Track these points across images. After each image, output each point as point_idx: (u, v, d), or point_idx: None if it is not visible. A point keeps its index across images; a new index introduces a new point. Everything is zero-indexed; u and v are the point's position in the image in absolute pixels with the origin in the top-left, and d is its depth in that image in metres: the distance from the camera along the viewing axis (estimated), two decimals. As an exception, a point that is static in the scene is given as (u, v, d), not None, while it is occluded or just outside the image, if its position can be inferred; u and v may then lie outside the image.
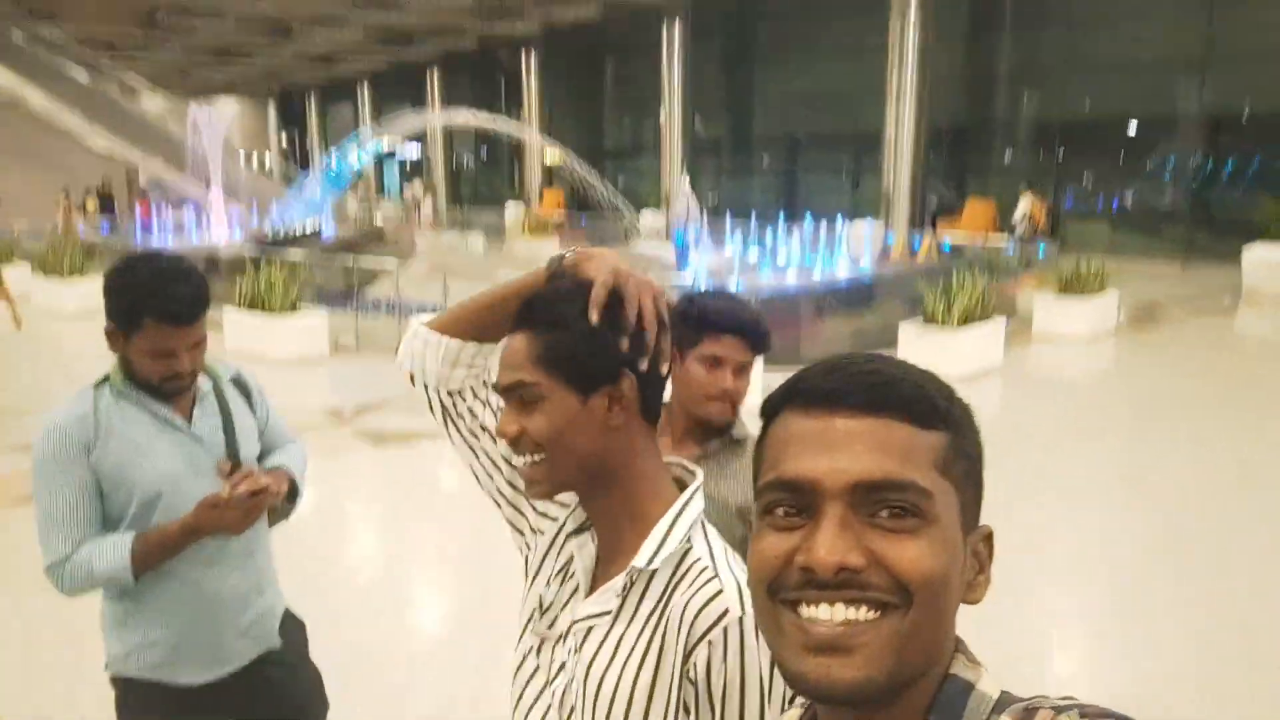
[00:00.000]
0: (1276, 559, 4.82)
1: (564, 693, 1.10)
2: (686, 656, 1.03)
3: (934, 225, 18.10)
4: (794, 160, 25.13)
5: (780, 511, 0.68)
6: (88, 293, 12.53)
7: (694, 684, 1.02)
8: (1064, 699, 0.65)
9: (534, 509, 1.27)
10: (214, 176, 17.43)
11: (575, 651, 1.10)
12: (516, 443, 1.09)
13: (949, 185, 20.61)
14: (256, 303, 9.70)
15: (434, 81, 33.65)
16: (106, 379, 1.96)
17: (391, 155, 36.32)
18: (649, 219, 19.56)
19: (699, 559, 1.07)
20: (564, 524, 1.23)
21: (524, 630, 1.21)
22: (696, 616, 1.03)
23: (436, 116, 27.98)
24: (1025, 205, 16.18)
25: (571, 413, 1.08)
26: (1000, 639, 4.02)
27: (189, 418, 2.00)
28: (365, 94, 38.99)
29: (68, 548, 1.87)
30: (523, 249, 20.91)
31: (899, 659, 0.65)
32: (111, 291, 1.89)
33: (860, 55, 20.86)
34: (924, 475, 0.67)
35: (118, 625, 2.00)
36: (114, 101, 23.41)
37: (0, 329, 11.41)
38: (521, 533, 1.29)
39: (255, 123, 49.23)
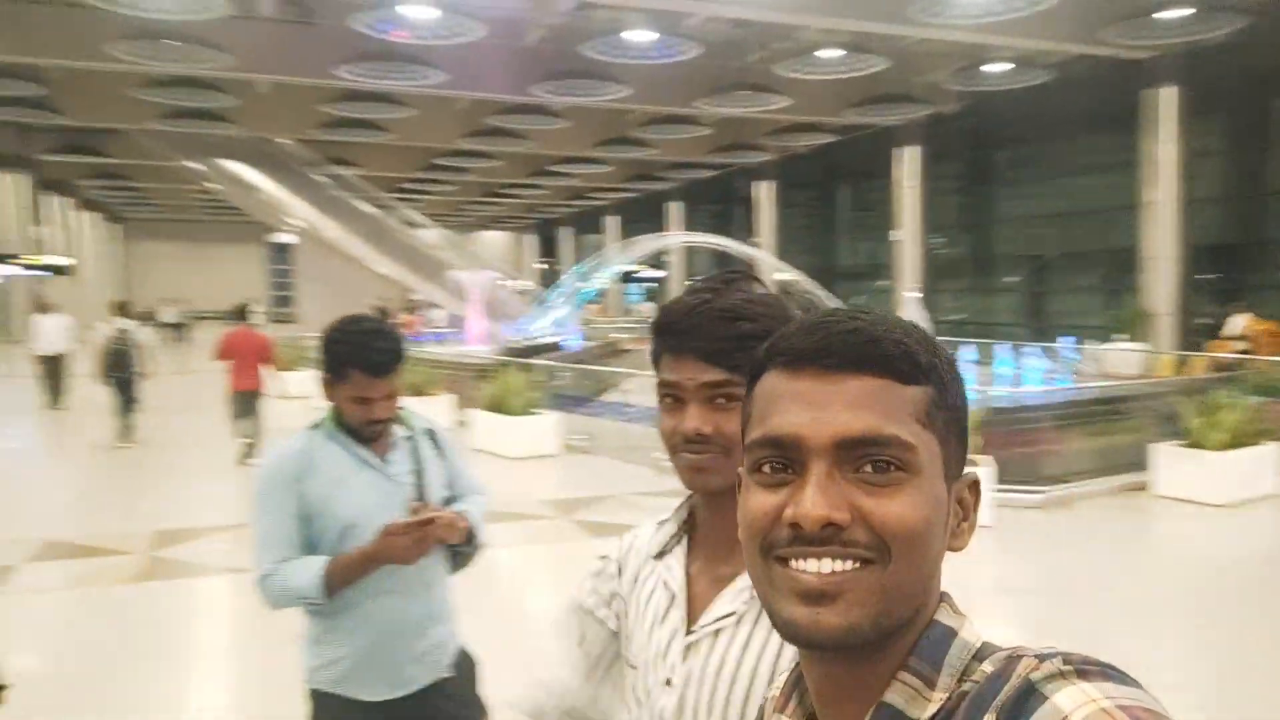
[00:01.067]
0: None
1: (677, 706, 1.12)
2: None
3: (1204, 346, 16.56)
4: (1042, 279, 24.01)
5: (767, 468, 0.70)
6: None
7: None
8: (1046, 647, 0.65)
9: (607, 590, 1.30)
10: (474, 299, 19.08)
11: (693, 659, 1.11)
12: (702, 440, 1.10)
13: (1221, 303, 18.87)
14: (496, 405, 10.41)
15: (674, 210, 35.40)
16: (319, 424, 2.27)
17: (633, 277, 38.13)
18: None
19: None
20: (635, 557, 1.26)
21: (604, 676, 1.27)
22: None
23: (673, 238, 29.26)
24: (1240, 324, 14.94)
25: None
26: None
27: (384, 460, 2.26)
28: (612, 223, 41.56)
29: (272, 565, 2.15)
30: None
31: (883, 607, 0.66)
32: (326, 346, 2.20)
33: (1109, 171, 19.93)
34: (906, 429, 0.68)
35: (313, 642, 2.25)
36: (396, 232, 26.30)
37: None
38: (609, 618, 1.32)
39: (514, 251, 53.64)
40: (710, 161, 27.78)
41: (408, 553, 2.12)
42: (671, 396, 1.13)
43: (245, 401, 9.97)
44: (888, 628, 0.68)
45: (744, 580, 1.11)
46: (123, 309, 11.94)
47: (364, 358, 2.14)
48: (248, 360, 9.97)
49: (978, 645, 0.71)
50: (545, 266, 50.91)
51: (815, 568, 0.66)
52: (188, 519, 7.49)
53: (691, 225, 35.18)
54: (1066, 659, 0.62)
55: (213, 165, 24.19)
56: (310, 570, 2.12)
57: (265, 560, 2.15)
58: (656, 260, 34.84)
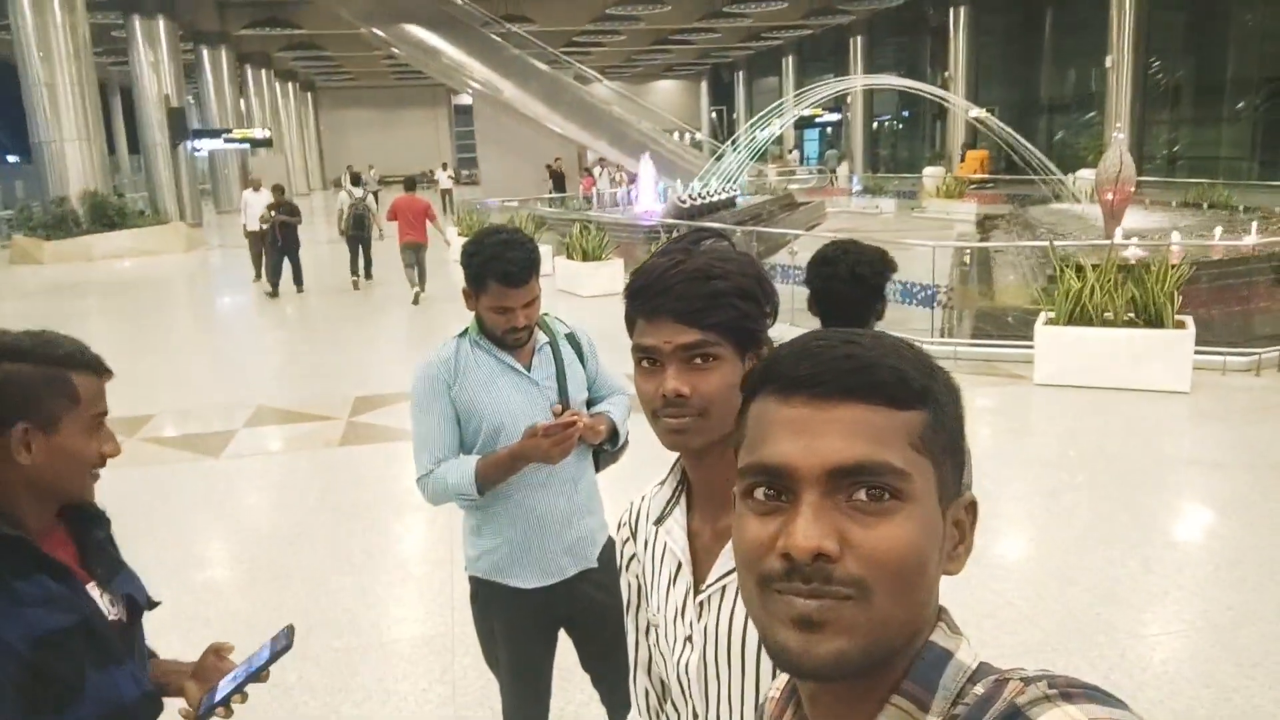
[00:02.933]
0: None
1: (699, 662, 1.16)
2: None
3: None
4: (1274, 106, 21.21)
5: (760, 494, 0.70)
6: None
7: None
8: (1037, 671, 0.66)
9: (628, 555, 1.33)
10: (645, 158, 18.95)
11: (706, 617, 1.15)
12: (681, 400, 1.12)
13: None
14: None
15: (857, 47, 33.31)
16: (466, 331, 2.37)
17: (812, 122, 36.61)
18: (1084, 177, 17.77)
19: None
20: (644, 521, 1.28)
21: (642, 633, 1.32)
22: None
23: (855, 81, 27.67)
24: None
25: (735, 375, 1.13)
26: None
27: (528, 365, 2.35)
28: (790, 65, 39.72)
29: (431, 465, 2.30)
30: (935, 210, 20.17)
31: (874, 637, 0.66)
32: (465, 259, 2.27)
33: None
34: (900, 455, 0.68)
35: (471, 533, 2.43)
36: (570, 88, 26.23)
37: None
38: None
39: (688, 100, 52.45)
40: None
41: (550, 453, 2.20)
42: (649, 359, 1.15)
43: (412, 253, 12.69)
44: (878, 656, 0.68)
45: None
46: (355, 178, 14.12)
47: (499, 269, 2.20)
48: (412, 219, 12.70)
49: (974, 667, 0.71)
50: (718, 115, 49.63)
51: (807, 600, 0.67)
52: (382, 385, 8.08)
53: (876, 62, 33.09)
54: (1052, 683, 0.63)
55: (395, 31, 24.73)
56: (464, 469, 2.25)
57: (424, 461, 2.30)
58: (837, 104, 33.20)
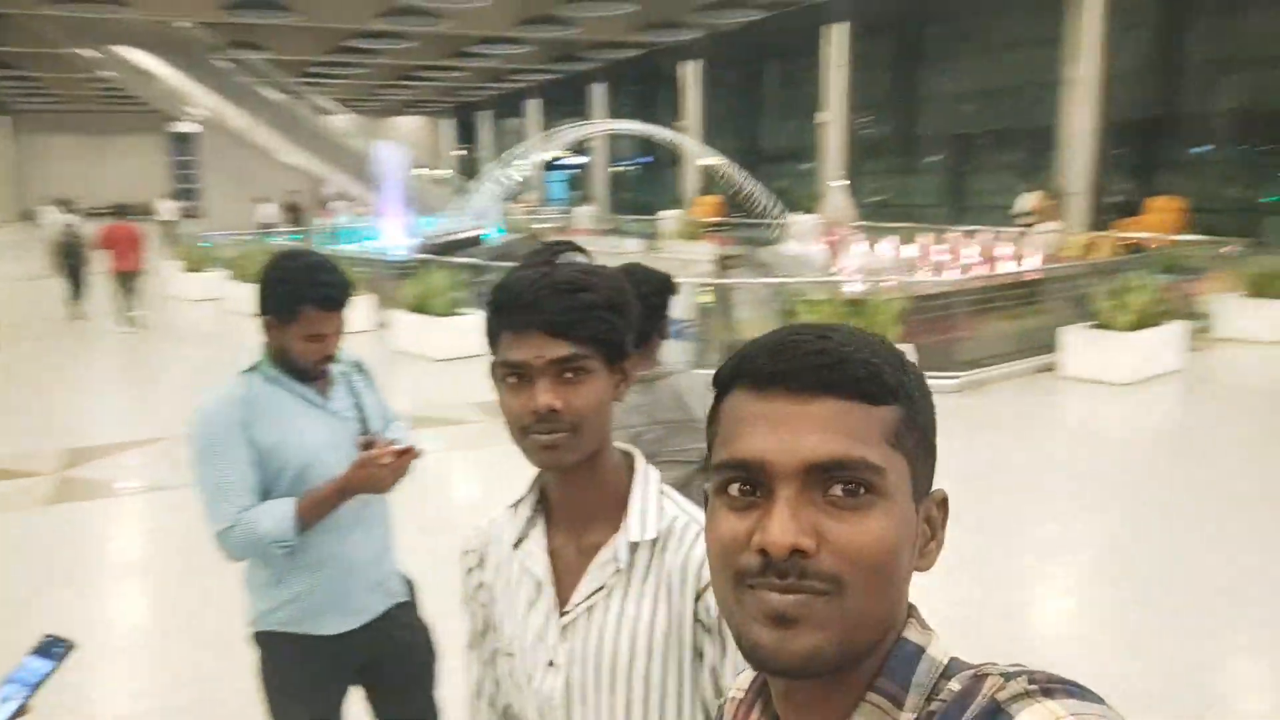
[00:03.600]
0: None
1: (564, 686, 1.14)
2: (696, 600, 1.11)
3: (1115, 225, 17.02)
4: (963, 159, 24.19)
5: (734, 489, 0.69)
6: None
7: (705, 625, 1.12)
8: (1012, 665, 0.66)
9: (474, 584, 1.29)
10: (390, 190, 18.48)
11: (571, 639, 1.13)
12: (554, 416, 1.08)
13: (1132, 182, 19.29)
14: (420, 307, 10.21)
15: (598, 93, 34.46)
16: (255, 366, 2.18)
17: (556, 165, 37.36)
18: (800, 221, 19.34)
19: (676, 518, 1.16)
20: (494, 545, 1.25)
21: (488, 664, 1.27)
22: (702, 565, 1.11)
23: (597, 126, 28.59)
24: (1029, 201, 17.06)
25: (605, 390, 1.12)
26: (1168, 643, 3.76)
27: (327, 397, 2.23)
28: (534, 108, 40.37)
29: (235, 515, 2.08)
30: (675, 251, 21.18)
31: (848, 633, 0.67)
32: (269, 285, 2.11)
33: (1035, 47, 19.90)
34: (875, 451, 0.68)
35: (267, 586, 2.21)
36: (305, 120, 25.15)
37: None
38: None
39: (432, 137, 51.90)
40: (635, 40, 26.92)
41: (385, 481, 2.11)
42: (515, 375, 1.11)
43: (126, 280, 12.70)
44: (853, 653, 0.68)
45: (606, 554, 1.13)
46: (66, 204, 12.68)
47: (317, 293, 2.08)
48: (125, 248, 12.66)
49: (945, 662, 0.71)
50: (463, 153, 49.48)
51: (782, 595, 0.67)
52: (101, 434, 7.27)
53: (615, 108, 34.36)
54: (1032, 678, 0.63)
55: (108, 52, 22.61)
56: (279, 512, 2.08)
57: (225, 512, 2.07)
58: (580, 147, 34.08)
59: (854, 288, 9.12)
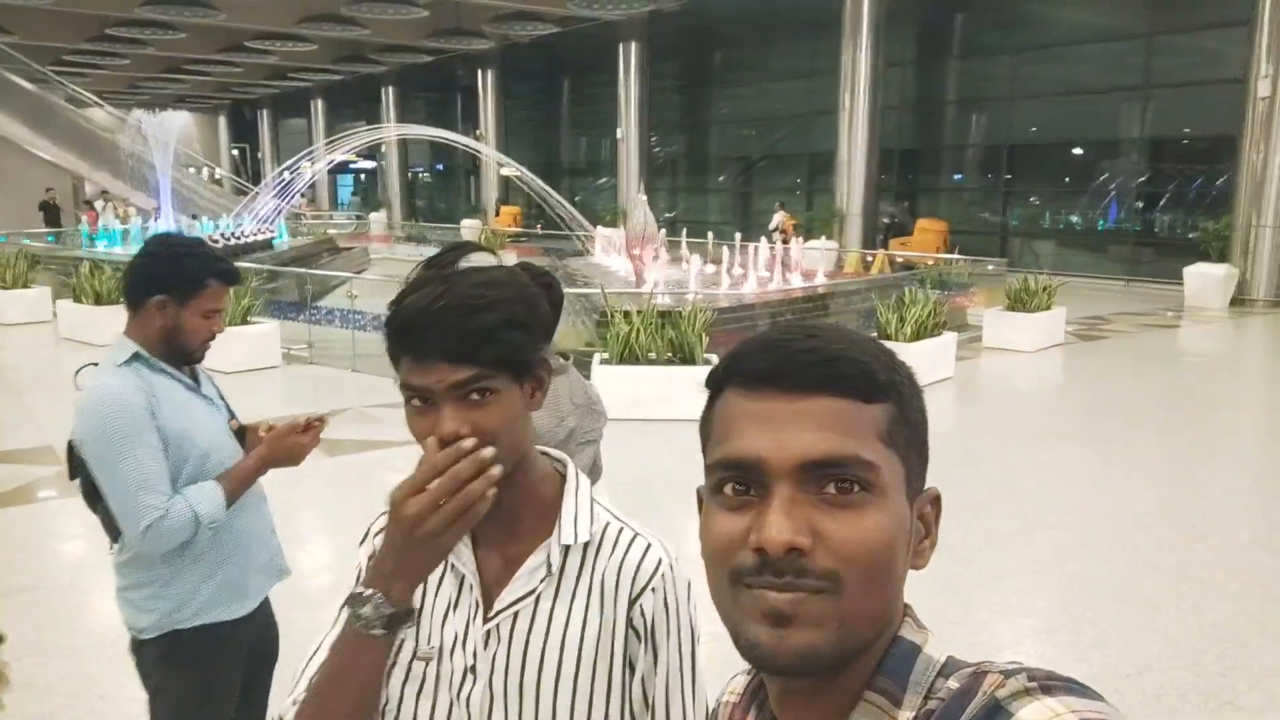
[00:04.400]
0: (1209, 553, 4.96)
1: (484, 694, 1.10)
2: (631, 606, 1.11)
3: (886, 244, 18.43)
4: (749, 180, 25.41)
5: (729, 489, 0.69)
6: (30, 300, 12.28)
7: (638, 633, 1.11)
8: (1010, 663, 0.66)
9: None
10: (162, 187, 17.13)
11: (495, 645, 1.10)
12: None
13: (901, 205, 20.98)
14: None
15: (389, 96, 33.50)
16: (135, 356, 2.11)
17: (345, 169, 35.99)
18: (604, 235, 19.66)
19: (608, 524, 1.16)
20: None
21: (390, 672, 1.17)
22: (636, 571, 1.12)
23: (390, 130, 27.80)
24: (778, 219, 19.49)
25: (516, 403, 1.09)
26: (956, 647, 4.09)
27: (198, 384, 2.25)
28: (319, 107, 38.68)
29: (161, 505, 2.02)
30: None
31: (845, 631, 0.67)
32: (171, 261, 2.13)
33: (813, 78, 21.23)
34: (868, 448, 0.68)
35: (161, 585, 2.13)
36: (61, 112, 22.89)
37: None
38: None
39: (206, 134, 48.56)
40: (428, 46, 26.35)
41: (303, 452, 2.17)
42: (420, 398, 1.06)
43: None
44: (850, 650, 0.68)
45: (537, 559, 1.12)
46: None
47: (219, 268, 2.15)
48: None
49: (942, 661, 0.71)
50: (240, 152, 46.65)
51: (779, 594, 0.66)
52: None
53: (407, 112, 33.52)
54: (1031, 675, 0.63)
55: None
56: (211, 494, 2.08)
57: (150, 503, 2.00)
58: (372, 151, 33.01)
59: (663, 300, 9.37)
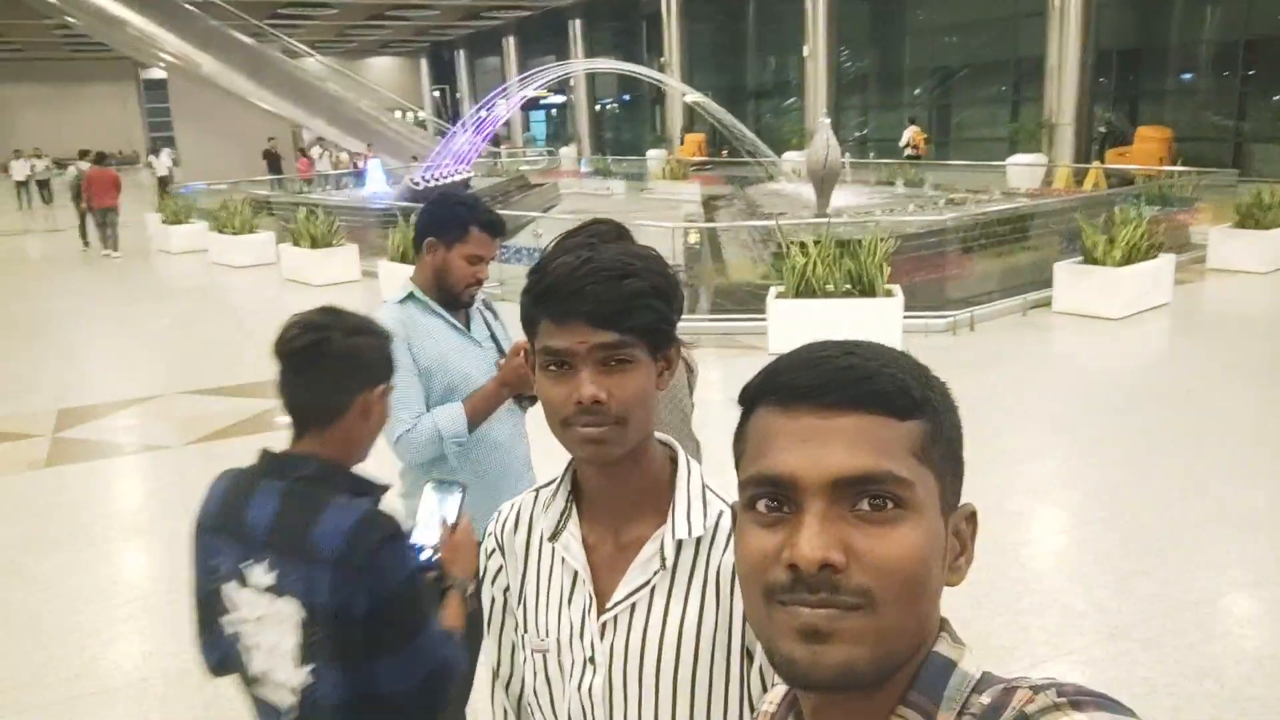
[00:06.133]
0: None
1: (604, 684, 1.11)
2: None
3: (1101, 156, 16.96)
4: (948, 93, 23.92)
5: (762, 505, 0.70)
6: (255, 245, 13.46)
7: None
8: (1043, 679, 0.66)
9: (494, 568, 1.25)
10: (371, 134, 18.13)
11: (612, 636, 1.10)
12: (599, 407, 1.04)
13: (1119, 112, 19.18)
14: (403, 255, 10.03)
15: (576, 29, 33.78)
16: (410, 295, 2.38)
17: (537, 105, 36.78)
18: (791, 160, 19.17)
19: (721, 513, 1.12)
20: (528, 536, 1.20)
21: (509, 660, 1.25)
22: None
23: (577, 65, 28.06)
24: (909, 134, 19.46)
25: (651, 378, 1.08)
26: (1167, 583, 3.83)
27: (468, 327, 2.44)
28: (511, 45, 39.58)
29: (410, 420, 2.26)
30: (662, 191, 20.97)
31: (881, 648, 0.67)
32: (441, 208, 2.38)
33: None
34: (902, 465, 0.68)
35: (407, 498, 2.36)
36: (278, 63, 24.55)
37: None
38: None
39: (409, 78, 50.87)
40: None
41: (529, 377, 2.39)
42: (557, 363, 1.06)
43: (103, 214, 15.20)
44: (886, 667, 0.68)
45: (650, 550, 1.10)
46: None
47: (484, 217, 2.34)
48: (104, 188, 15.14)
49: (977, 676, 0.71)
50: (440, 93, 48.56)
51: (813, 610, 0.67)
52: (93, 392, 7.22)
53: (594, 45, 33.75)
54: (1061, 690, 0.63)
55: (69, -1, 21.96)
56: (452, 412, 2.28)
57: (402, 419, 2.25)
58: (561, 86, 33.52)
59: (844, 228, 9.07)
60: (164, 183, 23.20)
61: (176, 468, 5.81)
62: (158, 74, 30.62)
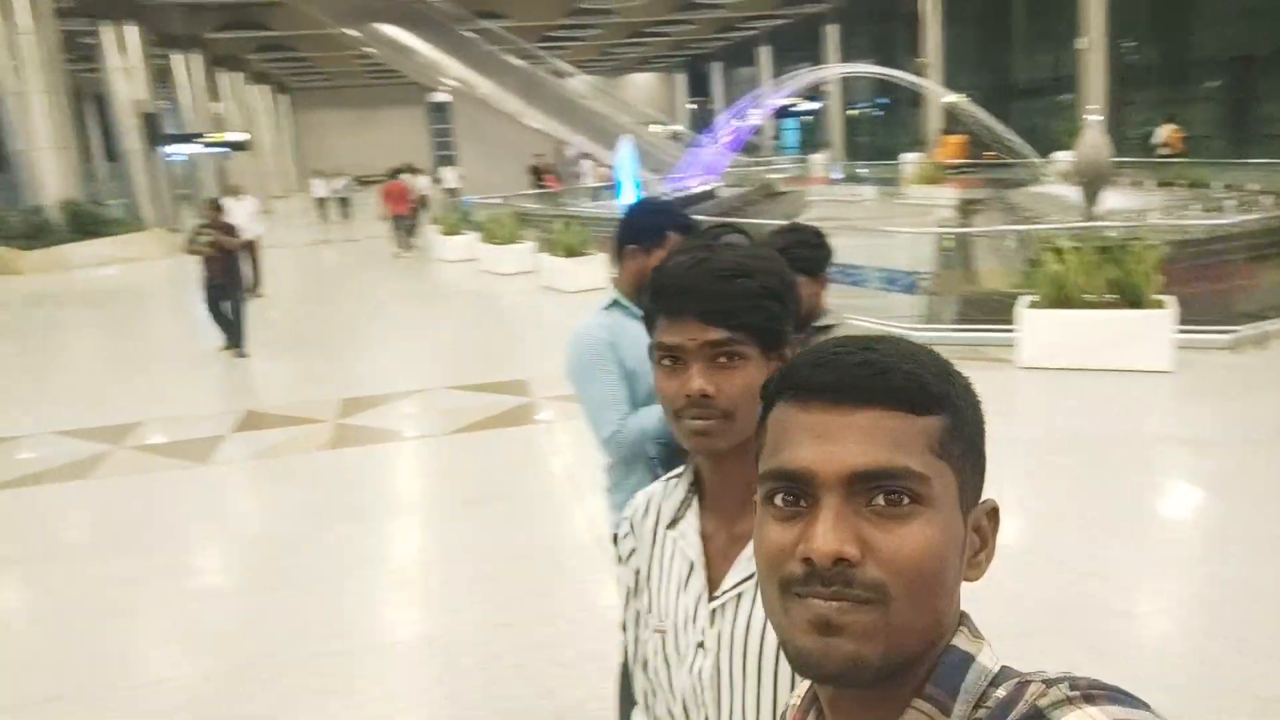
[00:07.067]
0: None
1: (713, 668, 1.14)
2: None
3: None
4: (1249, 83, 21.39)
5: (780, 500, 0.71)
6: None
7: None
8: (1059, 672, 0.66)
9: (626, 549, 1.29)
10: (622, 148, 18.88)
11: (720, 623, 1.13)
12: (707, 401, 1.09)
13: None
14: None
15: (830, 35, 33.39)
16: (615, 302, 2.46)
17: (788, 112, 36.68)
18: (1062, 160, 17.90)
19: None
20: (655, 522, 1.24)
21: (636, 640, 1.27)
22: None
23: (830, 70, 27.71)
24: (1163, 133, 18.74)
25: (759, 377, 1.10)
26: None
27: None
28: (766, 55, 39.77)
29: (619, 420, 2.36)
30: (916, 197, 20.26)
31: (891, 642, 0.67)
32: (640, 214, 2.46)
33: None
34: (918, 460, 0.69)
35: (625, 491, 2.40)
36: (545, 83, 26.14)
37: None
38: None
39: (666, 92, 52.39)
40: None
41: None
42: (671, 358, 1.12)
43: (399, 220, 18.53)
44: (896, 662, 0.68)
45: None
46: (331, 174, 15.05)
47: (679, 221, 2.40)
48: (399, 198, 18.66)
49: (996, 670, 0.71)
50: (696, 106, 49.58)
51: (826, 603, 0.68)
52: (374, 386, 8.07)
53: (850, 49, 33.17)
54: (1074, 684, 0.63)
55: (368, 30, 24.54)
56: (655, 414, 2.32)
57: (610, 419, 2.36)
58: (813, 93, 33.23)
59: (1109, 232, 8.39)
60: (452, 194, 25.60)
61: (437, 454, 6.41)
62: (441, 97, 33.51)
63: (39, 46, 18.90)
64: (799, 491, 0.70)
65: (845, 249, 10.45)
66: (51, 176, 19.31)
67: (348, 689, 3.51)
